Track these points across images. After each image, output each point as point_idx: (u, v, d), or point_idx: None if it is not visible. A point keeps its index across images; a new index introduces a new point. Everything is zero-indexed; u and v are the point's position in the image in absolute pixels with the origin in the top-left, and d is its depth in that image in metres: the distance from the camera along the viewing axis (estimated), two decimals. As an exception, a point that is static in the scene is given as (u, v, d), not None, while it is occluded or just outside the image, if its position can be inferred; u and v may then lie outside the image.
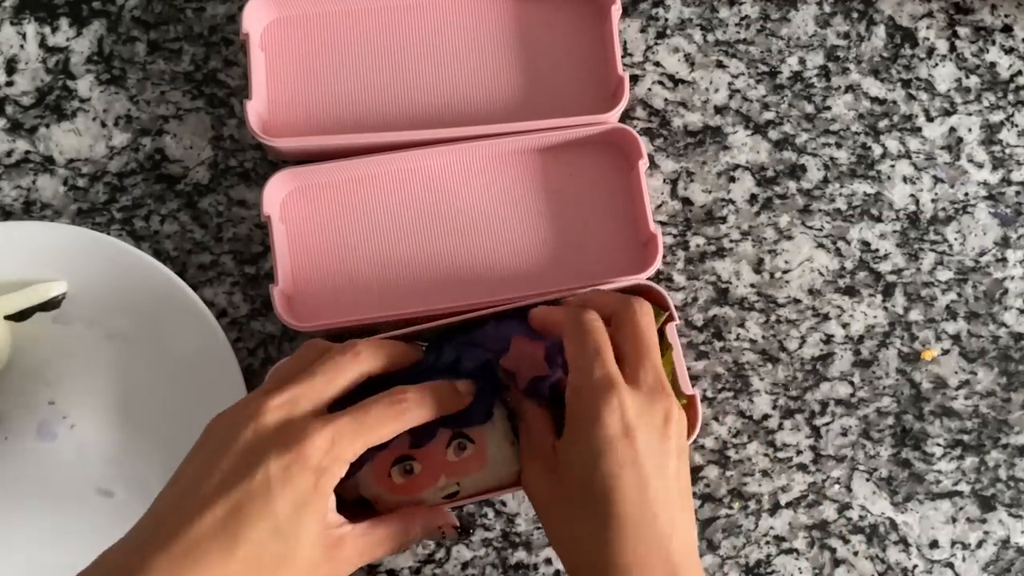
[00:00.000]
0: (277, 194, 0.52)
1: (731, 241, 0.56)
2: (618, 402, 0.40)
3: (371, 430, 0.40)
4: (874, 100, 0.57)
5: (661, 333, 0.49)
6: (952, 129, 0.57)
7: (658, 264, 0.52)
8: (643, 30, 0.57)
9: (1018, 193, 0.57)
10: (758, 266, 0.56)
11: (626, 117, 0.56)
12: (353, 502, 0.45)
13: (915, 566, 0.54)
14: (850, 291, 0.56)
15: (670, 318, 0.49)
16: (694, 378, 0.54)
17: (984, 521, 0.55)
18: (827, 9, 0.58)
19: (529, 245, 0.54)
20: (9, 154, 0.54)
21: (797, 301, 0.55)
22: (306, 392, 0.40)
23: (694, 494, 0.54)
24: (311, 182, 0.53)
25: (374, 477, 0.45)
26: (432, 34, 0.55)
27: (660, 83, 0.57)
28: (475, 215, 0.54)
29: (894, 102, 0.57)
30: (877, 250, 0.56)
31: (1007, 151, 0.57)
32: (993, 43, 0.58)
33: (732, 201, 0.56)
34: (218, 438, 0.39)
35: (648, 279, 0.51)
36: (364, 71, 0.55)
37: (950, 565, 0.54)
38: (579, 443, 0.40)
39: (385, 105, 0.54)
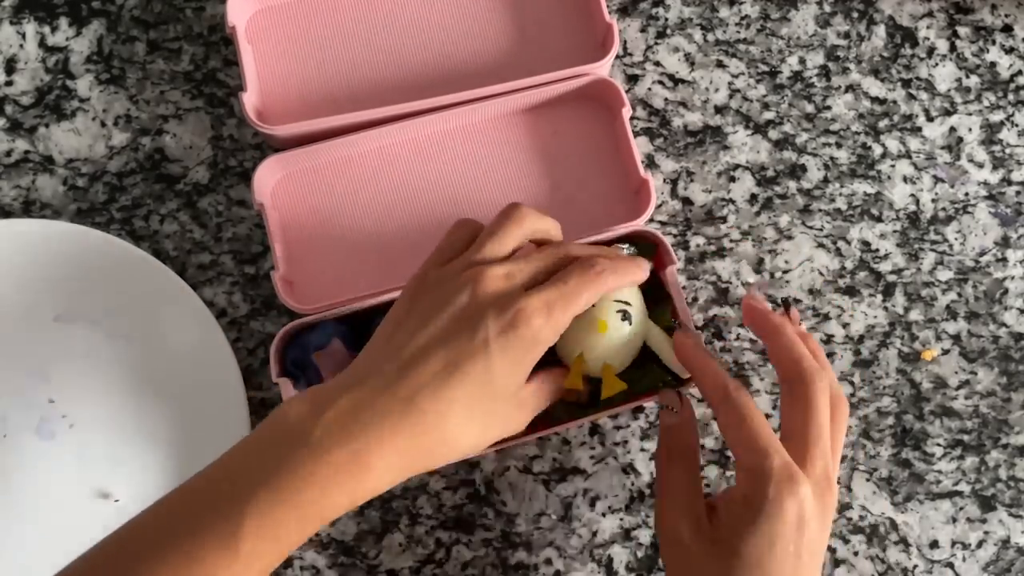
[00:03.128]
0: (267, 182, 0.52)
1: (731, 241, 0.56)
2: (800, 499, 0.40)
3: (576, 297, 0.42)
4: (874, 100, 0.57)
5: (657, 276, 0.50)
6: (952, 129, 0.57)
7: (652, 209, 0.52)
8: (643, 30, 0.57)
9: (1018, 193, 0.57)
10: (758, 266, 0.56)
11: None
12: None
13: (915, 566, 0.54)
14: (850, 291, 0.56)
15: (669, 261, 0.50)
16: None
17: (984, 521, 0.55)
18: (827, 9, 0.58)
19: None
20: (8, 154, 0.54)
21: (797, 301, 0.55)
22: (522, 268, 0.42)
23: (694, 494, 0.54)
24: (299, 167, 0.53)
25: None
26: (413, 3, 0.55)
27: (660, 83, 0.57)
28: (466, 180, 0.54)
29: (894, 102, 0.57)
30: (877, 250, 0.56)
31: (1007, 151, 0.57)
32: (993, 43, 0.58)
33: (732, 201, 0.56)
34: (432, 297, 0.42)
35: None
36: (350, 48, 0.55)
37: (950, 565, 0.54)
38: (753, 525, 0.40)
39: (376, 78, 0.55)
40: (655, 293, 0.50)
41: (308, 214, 0.53)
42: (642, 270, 0.46)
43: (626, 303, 0.47)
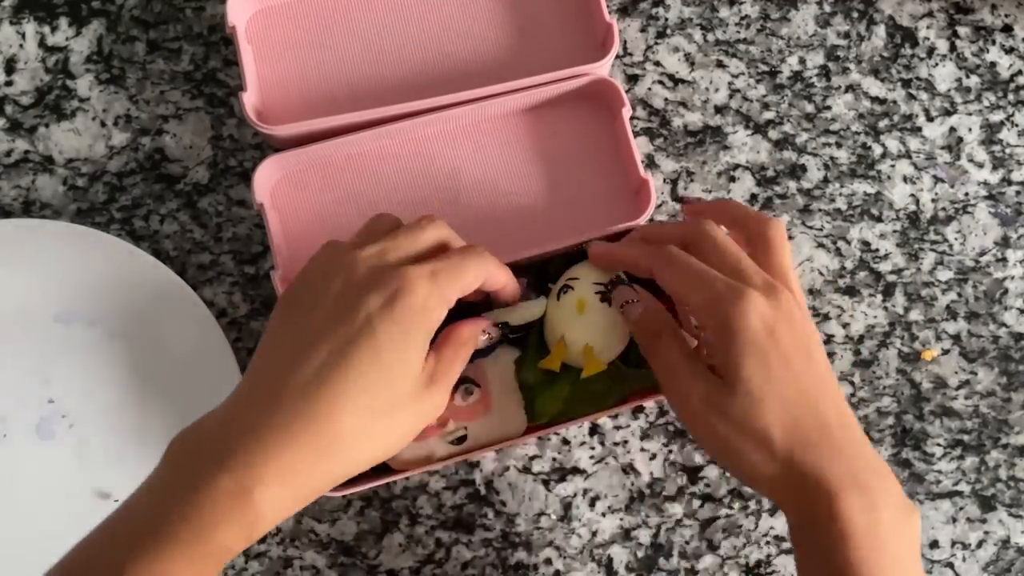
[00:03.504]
0: (267, 182, 0.52)
1: (731, 241, 0.56)
2: (751, 302, 0.40)
3: (462, 269, 0.40)
4: (874, 100, 0.57)
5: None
6: (952, 129, 0.57)
7: (652, 209, 0.52)
8: (643, 30, 0.57)
9: (1018, 193, 0.57)
10: (758, 266, 0.56)
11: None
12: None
13: (915, 566, 0.54)
14: (850, 291, 0.56)
15: None
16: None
17: (984, 521, 0.55)
18: (827, 9, 0.58)
19: (523, 205, 0.54)
20: (8, 154, 0.54)
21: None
22: (396, 245, 0.41)
23: (694, 494, 0.54)
24: (299, 167, 0.53)
25: None
26: (413, 3, 0.55)
27: (660, 83, 0.57)
28: (467, 180, 0.54)
29: (894, 102, 0.57)
30: (877, 250, 0.56)
31: (1007, 151, 0.57)
32: (993, 43, 0.58)
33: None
34: (310, 294, 0.40)
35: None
36: (350, 48, 0.55)
37: (950, 565, 0.54)
38: (734, 348, 0.40)
39: (376, 78, 0.55)
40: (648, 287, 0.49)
41: (308, 214, 0.53)
42: (513, 282, 0.45)
43: (605, 285, 0.47)
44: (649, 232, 0.47)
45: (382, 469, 0.47)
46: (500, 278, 0.43)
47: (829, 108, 0.57)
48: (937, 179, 0.57)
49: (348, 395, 0.37)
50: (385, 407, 0.38)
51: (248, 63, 0.52)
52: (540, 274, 0.50)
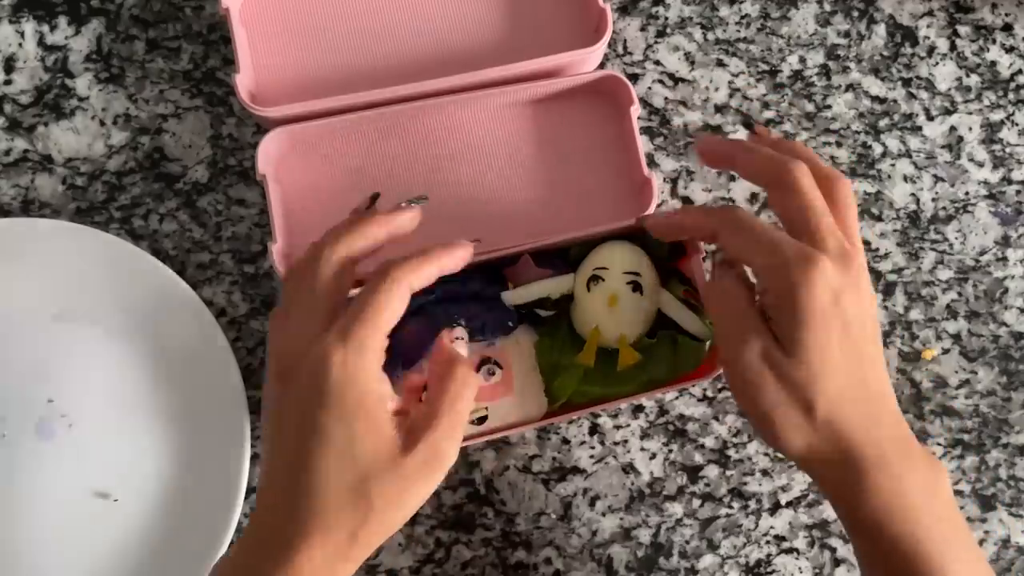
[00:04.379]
0: (272, 153, 0.52)
1: (731, 240, 0.56)
2: (821, 270, 0.38)
3: (375, 316, 0.39)
4: (874, 99, 0.57)
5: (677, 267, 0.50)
6: (952, 128, 0.57)
7: (653, 207, 0.52)
8: (643, 29, 0.57)
9: (1018, 192, 0.57)
10: (758, 265, 0.56)
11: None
12: None
13: (915, 565, 0.54)
14: (850, 290, 0.56)
15: (694, 250, 0.49)
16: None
17: (984, 520, 0.55)
18: (827, 8, 0.58)
19: (524, 195, 0.54)
20: (7, 153, 0.54)
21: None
22: (310, 314, 0.40)
23: (694, 494, 0.54)
24: (304, 140, 0.53)
25: (404, 402, 0.46)
26: None
27: (660, 82, 0.57)
28: (467, 166, 0.54)
29: (894, 101, 0.57)
30: (877, 249, 0.56)
31: (1007, 150, 0.57)
32: (994, 42, 0.58)
33: (732, 200, 0.56)
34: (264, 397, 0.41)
35: None
36: (346, 32, 0.55)
37: (950, 564, 0.54)
38: (795, 317, 0.39)
39: (371, 63, 0.54)
40: (664, 269, 0.49)
41: (310, 188, 0.53)
42: (449, 252, 0.42)
43: (636, 273, 0.47)
44: (738, 152, 0.43)
45: None
46: (432, 271, 0.41)
47: (829, 107, 0.57)
48: (937, 178, 0.57)
49: (323, 490, 0.37)
50: (364, 486, 0.37)
51: (242, 45, 0.52)
52: (563, 255, 0.50)
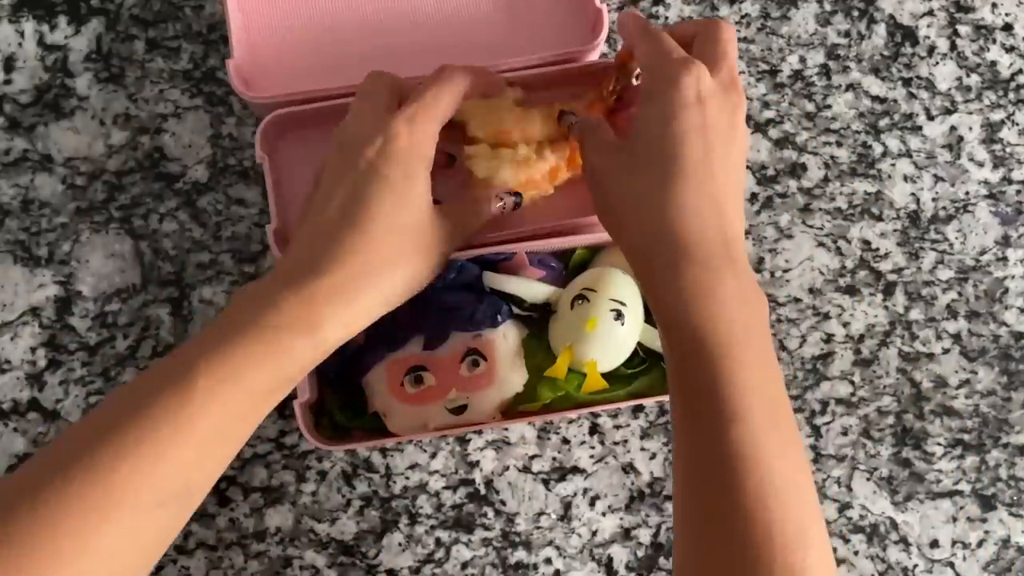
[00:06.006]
0: (271, 135, 0.52)
1: (731, 240, 0.56)
2: (696, 75, 0.41)
3: (436, 104, 0.43)
4: (875, 99, 0.57)
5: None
6: (953, 128, 0.57)
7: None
8: (643, 28, 0.57)
9: (1019, 192, 0.57)
10: (758, 265, 0.56)
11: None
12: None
13: (915, 565, 0.54)
14: (850, 290, 0.56)
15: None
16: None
17: (984, 520, 0.55)
18: (828, 7, 0.58)
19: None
20: (7, 152, 0.54)
21: (797, 300, 0.55)
22: (374, 103, 0.44)
23: (694, 493, 0.54)
24: (302, 123, 0.53)
25: (387, 386, 0.48)
26: None
27: (660, 81, 0.56)
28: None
29: (895, 100, 0.57)
30: (878, 249, 0.56)
31: (1008, 150, 0.57)
32: (994, 42, 0.58)
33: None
34: (327, 163, 0.44)
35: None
36: (341, 20, 0.55)
37: (951, 565, 0.54)
38: (653, 106, 0.41)
39: (365, 51, 0.55)
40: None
41: (306, 173, 0.53)
42: (497, 82, 0.48)
43: (621, 303, 0.47)
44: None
45: (381, 432, 0.49)
46: (478, 85, 0.45)
47: (829, 107, 0.57)
48: (938, 178, 0.57)
49: (374, 222, 0.41)
50: (409, 230, 0.41)
51: (236, 29, 0.52)
52: (565, 266, 0.51)
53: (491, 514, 0.53)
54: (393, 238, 0.41)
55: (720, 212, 0.40)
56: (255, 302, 0.39)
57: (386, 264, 0.41)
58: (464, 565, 0.53)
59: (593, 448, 0.54)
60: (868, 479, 0.54)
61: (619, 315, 0.47)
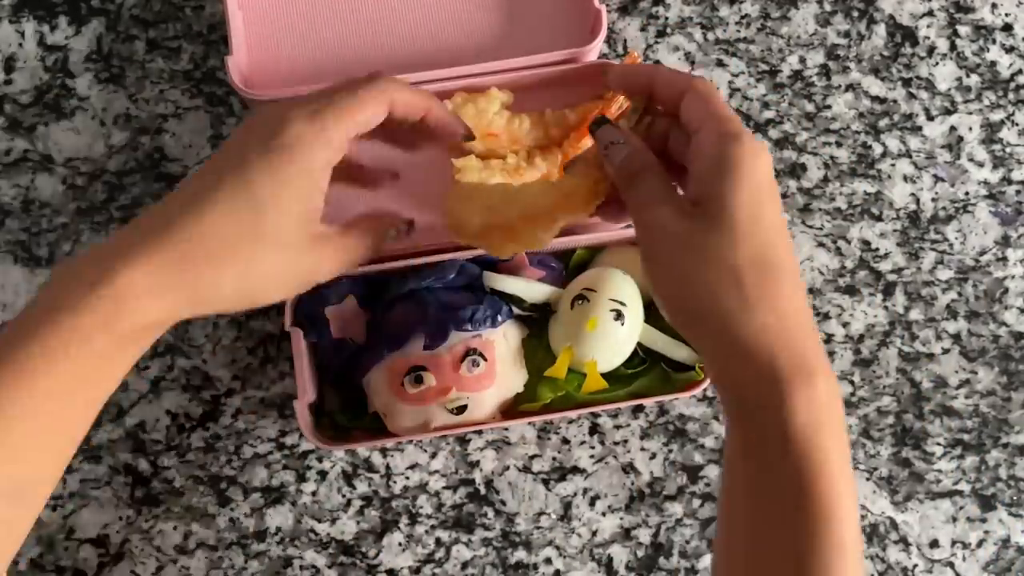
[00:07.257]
0: None
1: (731, 240, 0.56)
2: (766, 153, 0.37)
3: (352, 107, 0.38)
4: (874, 99, 0.57)
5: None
6: (952, 128, 0.57)
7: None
8: (643, 28, 0.57)
9: (1018, 192, 0.57)
10: (758, 265, 0.56)
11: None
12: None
13: (915, 565, 0.54)
14: (850, 290, 0.56)
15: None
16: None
17: (984, 520, 0.55)
18: (827, 8, 0.58)
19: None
20: (7, 153, 0.54)
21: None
22: (313, 97, 0.39)
23: (694, 493, 0.54)
24: None
25: (387, 386, 0.48)
26: None
27: (660, 82, 0.57)
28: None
29: (894, 101, 0.57)
30: (877, 249, 0.56)
31: (1007, 150, 0.57)
32: (994, 42, 0.58)
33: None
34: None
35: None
36: (340, 21, 0.55)
37: (950, 564, 0.54)
38: (736, 183, 0.37)
39: (365, 54, 0.55)
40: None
41: None
42: (438, 103, 0.42)
43: (621, 303, 0.47)
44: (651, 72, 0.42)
45: (381, 432, 0.49)
46: (416, 103, 0.40)
47: (829, 107, 0.57)
48: (937, 178, 0.57)
49: (215, 211, 0.36)
50: (251, 235, 0.37)
51: (236, 27, 0.52)
52: (565, 266, 0.52)
53: (491, 514, 0.53)
54: (230, 230, 0.36)
55: (808, 309, 0.38)
56: (64, 286, 0.35)
57: (212, 254, 0.36)
58: (464, 565, 0.53)
59: (593, 448, 0.54)
60: (868, 479, 0.54)
61: (619, 315, 0.47)
